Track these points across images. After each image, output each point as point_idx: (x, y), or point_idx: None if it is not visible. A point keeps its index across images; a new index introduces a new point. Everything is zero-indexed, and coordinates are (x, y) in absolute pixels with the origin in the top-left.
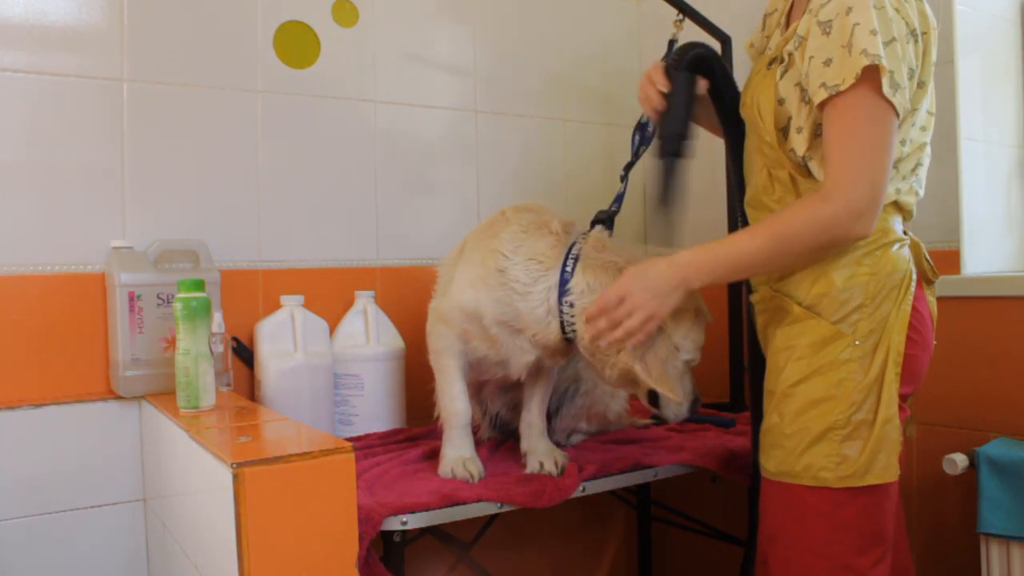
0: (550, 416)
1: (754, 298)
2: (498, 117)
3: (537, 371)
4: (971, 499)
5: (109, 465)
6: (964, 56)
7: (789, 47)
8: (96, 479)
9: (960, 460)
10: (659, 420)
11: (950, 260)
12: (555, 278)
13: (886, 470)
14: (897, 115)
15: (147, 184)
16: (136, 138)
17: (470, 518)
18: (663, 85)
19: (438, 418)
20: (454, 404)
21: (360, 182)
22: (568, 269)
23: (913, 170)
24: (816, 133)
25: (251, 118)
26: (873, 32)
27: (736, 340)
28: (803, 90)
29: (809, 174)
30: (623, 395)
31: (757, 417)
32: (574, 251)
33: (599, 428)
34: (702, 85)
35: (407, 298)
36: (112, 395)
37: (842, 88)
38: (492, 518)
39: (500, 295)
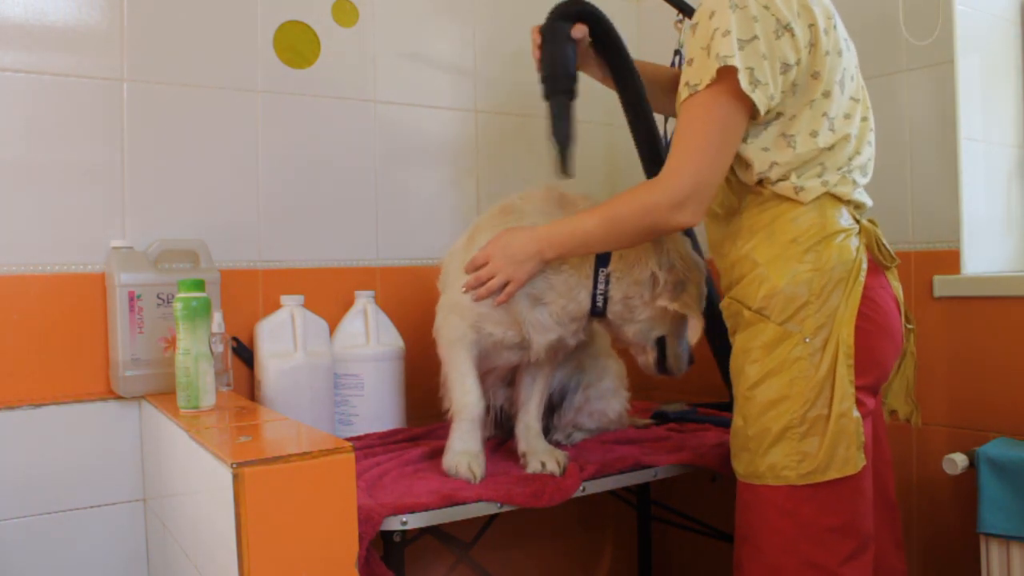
0: (552, 411)
1: (721, 305)
2: (498, 117)
3: (542, 362)
4: (971, 499)
5: (109, 465)
6: (964, 56)
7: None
8: (96, 479)
9: (960, 460)
10: (659, 420)
11: (950, 260)
12: None
13: (846, 463)
14: (756, 111)
15: (147, 184)
16: (136, 138)
17: (470, 518)
18: (536, 38)
19: (447, 412)
20: (466, 397)
21: (360, 182)
22: None
23: (849, 159)
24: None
25: (251, 118)
26: (726, 33)
27: None
28: None
29: (732, 171)
30: (624, 394)
31: None
32: None
33: (599, 426)
34: (578, 29)
35: (407, 298)
36: (112, 395)
37: (700, 88)
38: (492, 518)
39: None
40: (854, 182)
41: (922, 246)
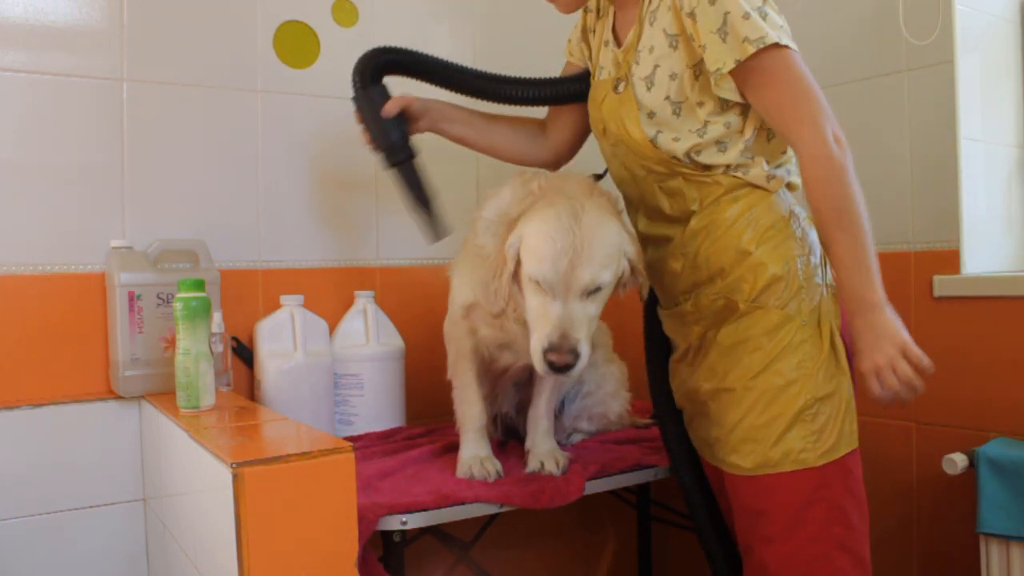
0: (555, 415)
1: (684, 308)
2: None
3: None
4: (971, 499)
5: (109, 465)
6: (964, 56)
7: (644, 62)
8: (96, 479)
9: (960, 460)
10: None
11: (950, 260)
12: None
13: (852, 436)
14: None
15: (147, 184)
16: (136, 138)
17: (470, 518)
18: (357, 117)
19: (456, 423)
20: (471, 409)
21: (360, 182)
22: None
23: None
24: (702, 131)
25: (251, 118)
26: (746, 16)
27: None
28: (673, 103)
29: (700, 167)
30: (624, 396)
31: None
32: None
33: (599, 428)
34: (392, 105)
35: (407, 298)
36: (112, 395)
37: (767, 42)
38: (492, 518)
39: (484, 274)
40: (798, 173)
41: (922, 246)
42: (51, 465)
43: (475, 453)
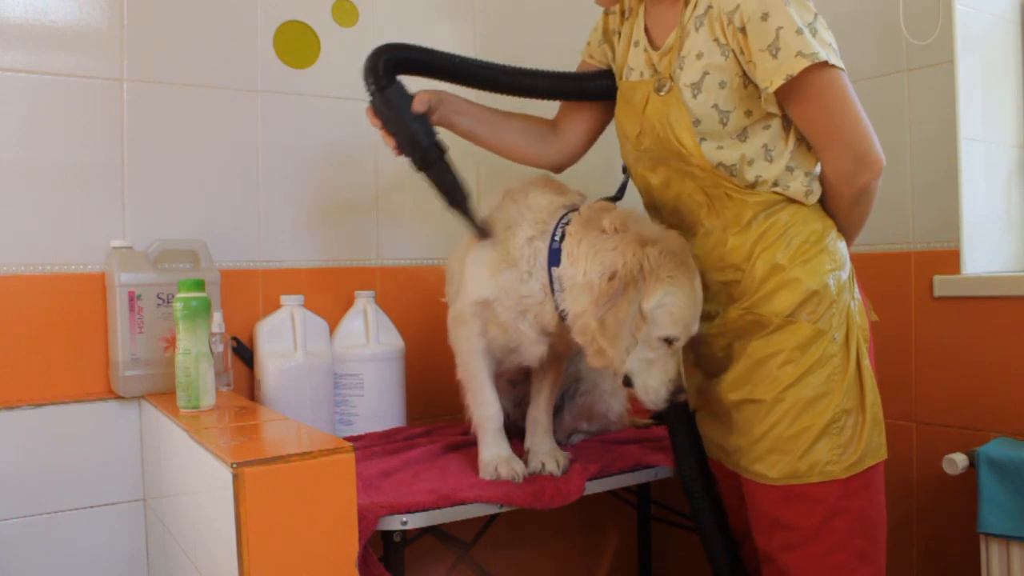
0: (554, 414)
1: (713, 323)
2: None
3: (550, 362)
4: (971, 499)
5: (109, 465)
6: (964, 56)
7: (690, 68)
8: (96, 479)
9: (960, 460)
10: (659, 420)
11: (950, 260)
12: (544, 251)
13: (879, 449)
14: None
15: (147, 184)
16: (136, 138)
17: (470, 518)
18: (376, 122)
19: (470, 423)
20: (487, 410)
21: (360, 182)
22: (556, 238)
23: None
24: (744, 137)
25: (251, 118)
26: (799, 32)
27: None
28: (721, 111)
29: (745, 183)
30: (623, 395)
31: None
32: (564, 219)
33: (600, 428)
34: (419, 102)
35: (407, 298)
36: (112, 395)
37: (817, 59)
38: (492, 518)
39: (507, 277)
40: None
41: (922, 246)
42: (51, 465)
43: (497, 453)
